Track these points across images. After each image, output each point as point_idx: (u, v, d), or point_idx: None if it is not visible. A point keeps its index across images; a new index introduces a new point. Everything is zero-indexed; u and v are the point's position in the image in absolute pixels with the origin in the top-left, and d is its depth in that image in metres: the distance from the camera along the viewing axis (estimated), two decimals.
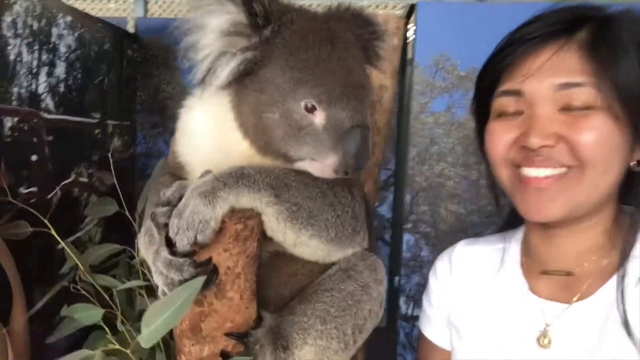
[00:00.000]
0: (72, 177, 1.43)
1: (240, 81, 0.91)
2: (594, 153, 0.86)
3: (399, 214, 1.79)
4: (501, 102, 0.96)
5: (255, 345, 0.91)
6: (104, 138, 1.62)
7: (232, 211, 0.85)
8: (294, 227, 0.91)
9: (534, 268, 1.03)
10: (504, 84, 0.96)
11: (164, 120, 1.83)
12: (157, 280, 0.86)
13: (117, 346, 0.78)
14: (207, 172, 0.88)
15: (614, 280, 0.91)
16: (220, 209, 0.83)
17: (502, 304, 1.04)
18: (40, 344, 1.02)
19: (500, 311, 1.04)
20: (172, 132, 1.05)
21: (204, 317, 0.89)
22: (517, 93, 0.93)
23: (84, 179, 1.48)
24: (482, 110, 1.03)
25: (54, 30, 1.34)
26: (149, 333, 0.76)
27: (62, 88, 1.39)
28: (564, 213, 0.90)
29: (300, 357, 0.94)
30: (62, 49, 1.38)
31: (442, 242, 1.66)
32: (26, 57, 1.23)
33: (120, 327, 0.92)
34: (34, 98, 1.27)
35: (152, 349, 0.94)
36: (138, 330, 0.83)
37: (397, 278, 1.78)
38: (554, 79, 0.88)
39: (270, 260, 1.00)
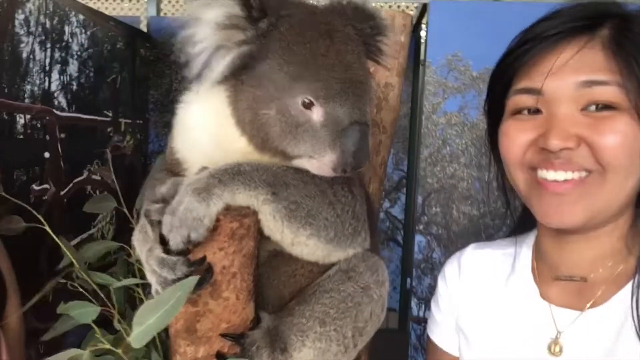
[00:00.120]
0: (85, 174, 1.43)
1: (237, 76, 0.89)
2: (617, 157, 0.83)
3: (410, 215, 1.77)
4: (517, 101, 0.93)
5: (251, 347, 0.89)
6: (117, 136, 1.63)
7: (228, 209, 0.84)
8: (292, 226, 0.89)
9: (546, 274, 1.00)
10: (521, 82, 0.92)
11: None
12: (150, 278, 0.85)
13: (108, 346, 0.77)
14: (204, 168, 0.87)
15: (629, 287, 0.88)
16: (214, 206, 0.82)
17: (512, 310, 1.01)
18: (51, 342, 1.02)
19: (510, 317, 1.01)
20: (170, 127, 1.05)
21: (199, 317, 0.87)
22: (536, 91, 0.89)
23: (96, 177, 1.49)
24: (495, 110, 1.00)
25: (67, 29, 1.35)
26: (140, 333, 0.75)
27: (74, 86, 1.40)
28: (584, 219, 0.87)
29: None
30: (75, 47, 1.39)
31: (454, 244, 1.64)
32: (39, 54, 1.24)
33: (117, 325, 0.92)
34: (46, 96, 1.27)
35: (148, 349, 0.93)
36: None
37: (408, 280, 1.76)
38: (577, 76, 0.84)
39: (269, 260, 0.99)
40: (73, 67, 1.38)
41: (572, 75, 0.85)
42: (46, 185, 1.26)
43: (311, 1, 0.99)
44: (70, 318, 0.90)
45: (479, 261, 1.11)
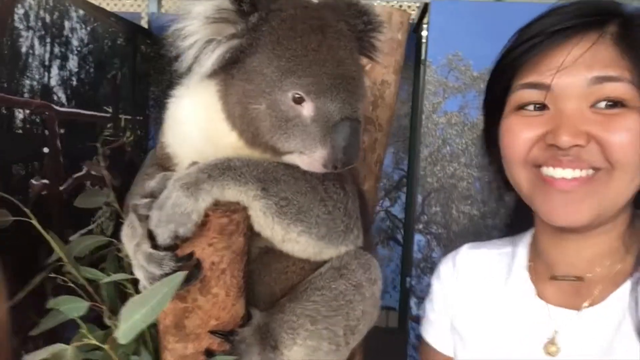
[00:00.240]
0: (84, 170, 1.44)
1: (228, 70, 0.89)
2: (626, 155, 0.82)
3: (410, 214, 1.77)
4: (523, 95, 0.90)
5: (241, 344, 0.89)
6: (117, 132, 1.64)
7: (217, 204, 0.83)
8: (283, 223, 0.88)
9: (543, 273, 0.99)
10: (528, 77, 0.89)
11: None
12: (138, 274, 0.84)
13: (94, 341, 0.77)
14: (194, 163, 0.87)
15: (627, 285, 0.87)
16: (203, 201, 0.81)
17: (508, 309, 1.00)
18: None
19: (506, 317, 1.00)
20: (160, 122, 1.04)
21: (187, 313, 0.87)
22: (544, 86, 0.87)
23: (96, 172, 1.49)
24: (494, 106, 0.98)
25: (67, 24, 1.35)
26: (127, 328, 0.74)
27: (74, 81, 1.40)
28: (590, 218, 0.86)
29: (289, 358, 0.92)
30: (75, 42, 1.39)
31: (454, 243, 1.63)
32: (38, 49, 1.24)
33: (107, 321, 0.91)
34: (46, 91, 1.27)
35: (138, 344, 0.93)
36: None
37: (408, 279, 1.75)
38: (590, 72, 0.83)
39: (260, 257, 0.98)
40: (73, 63, 1.38)
41: (585, 71, 0.83)
42: (45, 180, 1.26)
43: None
44: (60, 313, 0.89)
45: (474, 261, 1.10)
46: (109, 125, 1.58)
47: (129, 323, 0.74)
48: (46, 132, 1.28)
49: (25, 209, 0.93)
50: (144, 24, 1.88)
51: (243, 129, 0.90)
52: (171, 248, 0.82)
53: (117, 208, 1.08)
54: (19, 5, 1.15)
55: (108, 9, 1.65)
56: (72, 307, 0.89)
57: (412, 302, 1.71)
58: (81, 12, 1.40)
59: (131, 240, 0.87)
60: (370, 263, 1.01)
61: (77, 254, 0.97)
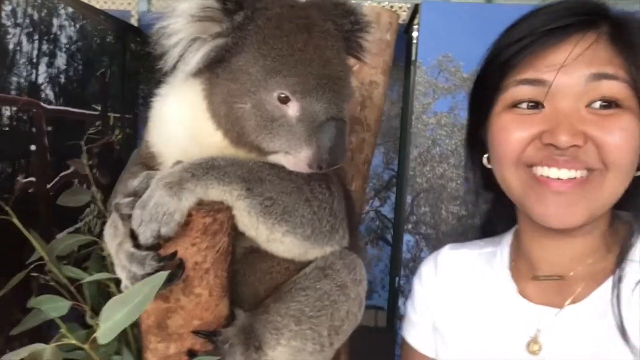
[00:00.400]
0: (72, 168, 1.43)
1: (213, 69, 0.88)
2: (622, 156, 0.82)
3: (400, 214, 1.77)
4: (518, 92, 0.89)
5: (224, 344, 0.88)
6: (106, 130, 1.63)
7: (201, 204, 0.83)
8: (267, 223, 0.88)
9: (525, 272, 0.99)
10: (523, 73, 0.88)
11: None
12: (120, 274, 0.83)
13: (73, 341, 0.76)
14: (178, 162, 0.86)
15: (608, 283, 0.88)
16: (186, 201, 0.80)
17: (491, 309, 1.00)
18: None
19: (488, 316, 1.00)
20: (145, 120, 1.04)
21: (170, 313, 0.86)
22: (540, 82, 0.86)
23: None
24: (483, 105, 0.97)
25: (55, 21, 1.34)
26: (107, 328, 0.73)
27: (62, 79, 1.39)
28: (584, 219, 0.86)
29: (273, 358, 0.91)
30: (63, 39, 1.38)
31: (442, 243, 1.61)
32: (26, 46, 1.23)
33: (89, 321, 0.90)
34: (33, 88, 1.26)
35: (120, 344, 0.92)
36: None
37: (397, 278, 1.76)
38: (589, 69, 0.83)
39: (244, 257, 0.97)
40: (61, 60, 1.37)
41: (584, 68, 0.83)
42: (32, 178, 1.25)
43: None
44: (41, 312, 0.89)
45: (455, 261, 1.10)
46: (97, 123, 1.57)
47: (109, 323, 0.74)
48: (33, 129, 1.26)
49: (6, 207, 0.92)
50: (134, 22, 1.88)
51: (228, 128, 0.89)
52: (154, 247, 0.81)
53: (100, 207, 1.07)
54: (7, 2, 1.14)
55: (98, 6, 1.64)
56: (53, 307, 0.88)
57: (401, 301, 1.72)
58: (70, 9, 1.39)
59: (113, 240, 0.86)
60: (355, 263, 1.00)
61: (60, 252, 0.96)
